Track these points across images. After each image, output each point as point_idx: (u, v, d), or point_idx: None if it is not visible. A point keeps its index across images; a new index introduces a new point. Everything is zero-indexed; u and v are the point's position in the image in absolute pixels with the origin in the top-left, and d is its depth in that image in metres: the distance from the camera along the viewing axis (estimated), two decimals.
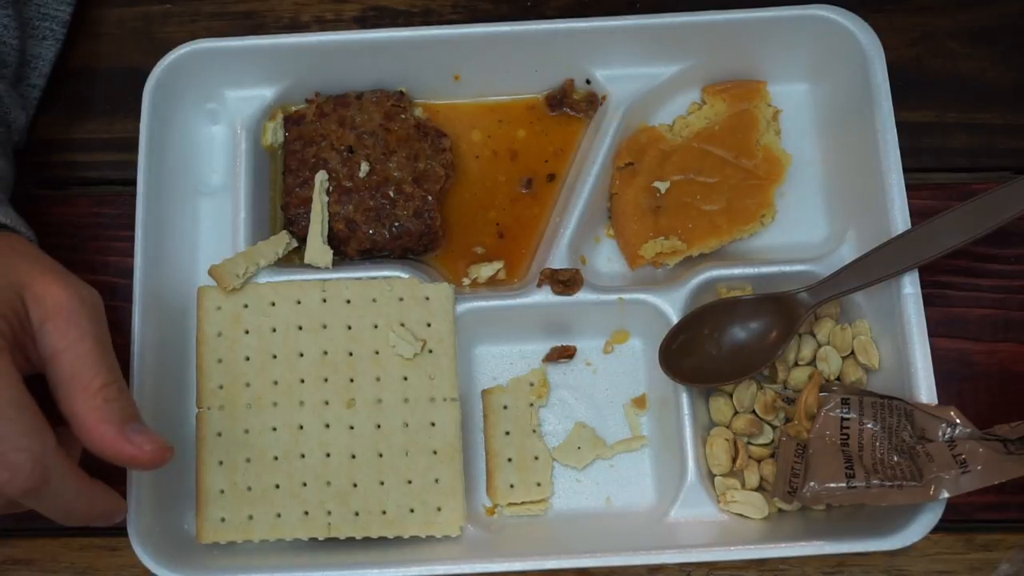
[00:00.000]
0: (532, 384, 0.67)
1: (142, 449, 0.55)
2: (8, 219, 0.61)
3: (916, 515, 0.59)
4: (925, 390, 0.61)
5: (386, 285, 0.65)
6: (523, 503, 0.65)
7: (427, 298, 0.65)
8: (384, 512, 0.62)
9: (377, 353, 0.64)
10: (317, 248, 0.66)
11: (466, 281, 0.69)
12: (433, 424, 0.63)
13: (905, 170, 0.64)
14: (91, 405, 0.54)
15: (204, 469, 0.63)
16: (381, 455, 0.63)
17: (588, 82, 0.70)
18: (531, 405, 0.67)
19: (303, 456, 0.63)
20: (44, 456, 0.52)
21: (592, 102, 0.71)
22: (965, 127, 0.71)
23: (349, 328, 0.64)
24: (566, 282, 0.66)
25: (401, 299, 0.65)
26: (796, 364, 0.66)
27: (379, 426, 0.63)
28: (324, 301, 0.65)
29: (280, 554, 0.63)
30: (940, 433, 0.60)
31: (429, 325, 0.64)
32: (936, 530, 0.59)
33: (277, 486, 0.62)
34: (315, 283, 0.65)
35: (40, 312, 0.55)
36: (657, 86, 0.70)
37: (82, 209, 0.71)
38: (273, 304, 0.65)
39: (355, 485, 0.62)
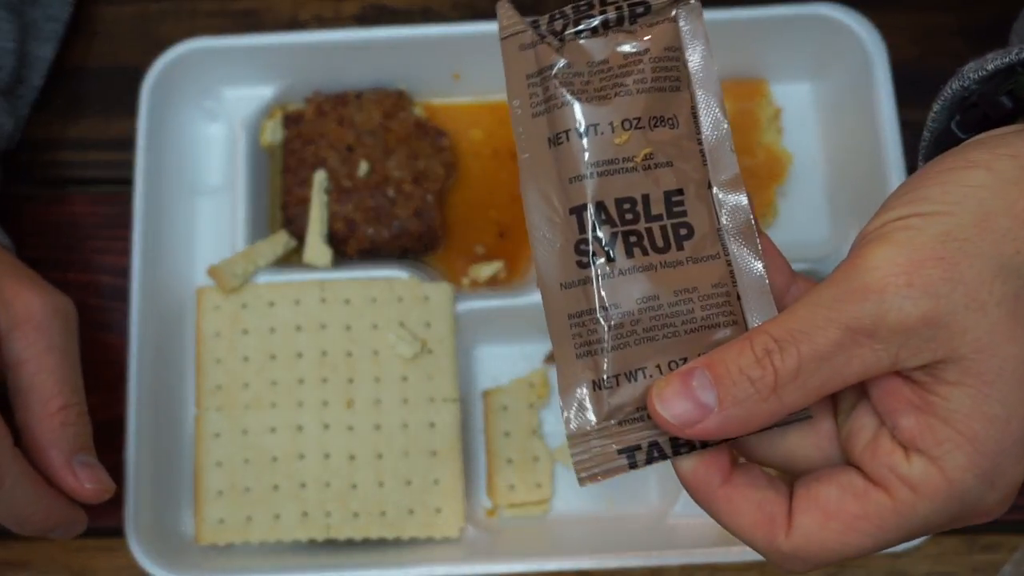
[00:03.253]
0: (533, 385, 0.67)
1: (82, 486, 0.55)
2: None
3: None
4: None
5: (385, 285, 0.65)
6: (523, 504, 0.65)
7: (427, 298, 0.64)
8: (383, 513, 0.62)
9: (376, 353, 0.64)
10: (316, 248, 0.66)
11: (466, 281, 0.68)
12: (433, 425, 0.63)
13: (908, 169, 0.64)
14: (46, 426, 0.54)
15: (202, 470, 0.62)
16: (380, 456, 0.62)
17: None
18: (531, 406, 0.66)
19: (302, 457, 0.62)
20: None
21: None
22: None
23: (348, 328, 0.64)
24: None
25: (400, 299, 0.64)
26: None
27: (378, 427, 0.63)
28: (323, 301, 0.64)
29: (279, 555, 0.62)
30: None
31: (429, 325, 0.64)
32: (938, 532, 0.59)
33: (276, 487, 0.62)
34: (314, 283, 0.65)
35: (8, 318, 0.54)
36: None
37: (79, 208, 0.70)
38: (272, 304, 0.64)
39: (354, 486, 0.62)
